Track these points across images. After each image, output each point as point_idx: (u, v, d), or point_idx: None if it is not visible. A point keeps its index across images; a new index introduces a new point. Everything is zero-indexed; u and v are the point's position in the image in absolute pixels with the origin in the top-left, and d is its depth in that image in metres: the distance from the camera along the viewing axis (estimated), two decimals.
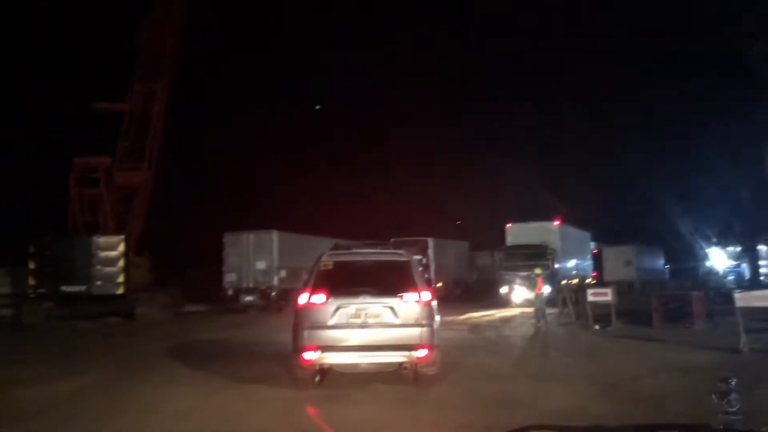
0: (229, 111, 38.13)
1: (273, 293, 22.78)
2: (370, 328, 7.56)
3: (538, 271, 17.69)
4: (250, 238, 23.37)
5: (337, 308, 7.58)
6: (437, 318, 8.46)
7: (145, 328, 17.25)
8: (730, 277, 36.05)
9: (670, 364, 9.57)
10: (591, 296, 15.50)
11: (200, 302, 25.35)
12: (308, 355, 7.52)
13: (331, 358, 7.70)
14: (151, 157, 22.63)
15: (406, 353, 7.59)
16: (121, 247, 19.42)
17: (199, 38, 25.67)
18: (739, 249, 37.81)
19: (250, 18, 42.28)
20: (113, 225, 20.98)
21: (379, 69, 45.43)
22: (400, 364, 7.90)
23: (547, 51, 46.14)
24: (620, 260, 34.10)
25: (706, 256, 39.44)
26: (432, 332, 7.72)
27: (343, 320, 7.57)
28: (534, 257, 22.69)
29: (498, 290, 24.51)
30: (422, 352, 7.55)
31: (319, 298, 7.63)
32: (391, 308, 7.62)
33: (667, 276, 40.56)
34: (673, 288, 28.07)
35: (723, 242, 39.26)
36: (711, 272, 38.10)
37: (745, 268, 36.70)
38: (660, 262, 40.71)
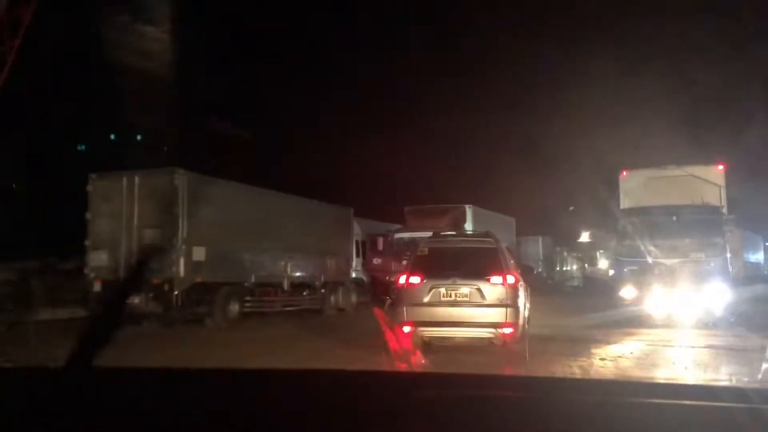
0: None
1: (175, 293, 11.53)
2: (459, 306, 8.43)
3: None
4: (134, 183, 12.06)
5: (431, 288, 8.46)
6: (525, 301, 8.98)
7: None
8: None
9: None
10: None
11: (70, 304, 14.71)
12: (406, 329, 8.34)
13: (426, 332, 8.63)
14: None
15: (492, 330, 8.32)
16: None
17: None
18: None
19: None
20: None
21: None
22: (489, 339, 8.49)
23: None
24: None
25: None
26: (517, 312, 8.32)
27: (436, 299, 8.46)
28: (695, 229, 11.78)
29: (614, 290, 13.17)
30: (507, 330, 8.19)
31: (415, 279, 8.59)
32: (479, 289, 8.36)
33: None
34: None
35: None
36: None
37: None
38: None
